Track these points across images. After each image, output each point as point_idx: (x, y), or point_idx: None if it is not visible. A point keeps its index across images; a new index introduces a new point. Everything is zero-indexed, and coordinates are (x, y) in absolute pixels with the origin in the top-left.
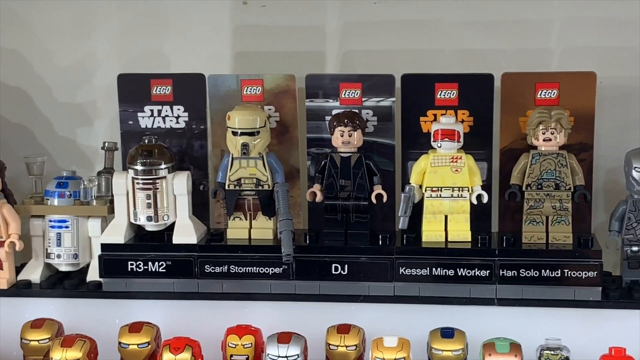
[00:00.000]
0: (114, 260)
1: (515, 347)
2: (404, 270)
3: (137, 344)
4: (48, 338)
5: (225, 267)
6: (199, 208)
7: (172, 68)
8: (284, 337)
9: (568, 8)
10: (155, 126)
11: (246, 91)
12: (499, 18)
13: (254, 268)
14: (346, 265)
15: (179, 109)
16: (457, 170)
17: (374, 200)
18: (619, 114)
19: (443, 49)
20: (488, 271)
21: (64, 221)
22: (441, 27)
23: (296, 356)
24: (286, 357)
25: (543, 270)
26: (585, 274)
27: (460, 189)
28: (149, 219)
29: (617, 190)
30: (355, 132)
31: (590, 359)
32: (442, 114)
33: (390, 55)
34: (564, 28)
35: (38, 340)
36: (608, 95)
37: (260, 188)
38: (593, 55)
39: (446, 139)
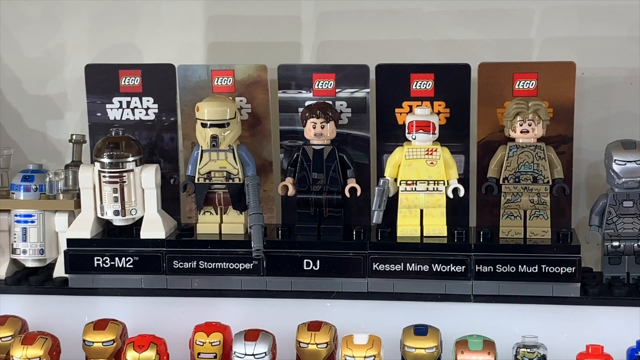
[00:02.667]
0: (80, 255)
1: (488, 345)
2: (378, 265)
3: (102, 342)
4: (11, 335)
5: (194, 263)
6: (170, 202)
7: (144, 60)
8: (251, 335)
9: None
10: (124, 118)
11: (217, 82)
12: (479, 8)
13: (224, 264)
14: (318, 261)
15: (148, 101)
16: (432, 163)
17: (347, 194)
18: (601, 106)
19: (421, 39)
20: (464, 267)
21: (30, 215)
22: (419, 17)
23: (263, 354)
24: (253, 355)
25: (520, 266)
26: (564, 269)
27: (436, 182)
28: (116, 213)
29: (599, 185)
30: (328, 124)
31: (568, 357)
32: (417, 106)
33: (368, 46)
34: (544, 18)
35: (1, 338)
36: (590, 87)
37: (230, 181)
38: (574, 46)
39: (421, 131)
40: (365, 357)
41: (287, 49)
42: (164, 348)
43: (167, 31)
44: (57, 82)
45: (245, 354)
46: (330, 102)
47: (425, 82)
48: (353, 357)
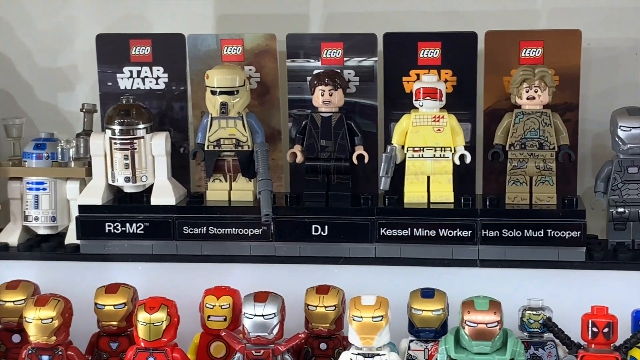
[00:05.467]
0: (91, 221)
1: (494, 305)
2: (385, 231)
3: (114, 305)
4: (23, 299)
5: (204, 229)
6: (180, 171)
7: (154, 31)
8: (260, 296)
9: None
10: (134, 87)
11: (226, 51)
12: None
13: (233, 229)
14: (326, 226)
15: (158, 70)
16: (439, 130)
17: (355, 161)
18: (606, 76)
19: (428, 10)
20: (470, 232)
21: (42, 183)
22: None
23: (272, 315)
24: (262, 315)
25: (526, 231)
26: (569, 234)
27: (443, 149)
28: (127, 179)
29: (604, 155)
30: (336, 92)
31: (573, 320)
32: (424, 74)
33: (375, 18)
34: None
35: (13, 302)
36: (596, 58)
37: (239, 149)
38: (580, 17)
39: (428, 98)
40: (373, 317)
41: (295, 21)
42: (174, 310)
43: (176, 3)
44: (67, 54)
45: (255, 315)
46: (338, 70)
47: (432, 51)
48: (361, 317)
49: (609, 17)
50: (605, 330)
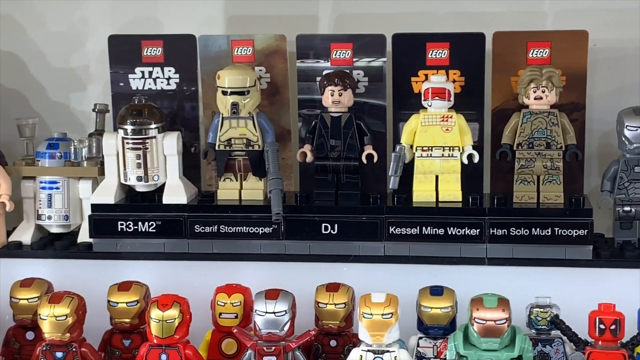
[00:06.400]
0: (104, 220)
1: (503, 302)
2: (394, 229)
3: (126, 302)
4: (37, 297)
5: (215, 227)
6: (190, 170)
7: (165, 32)
8: (271, 294)
9: None
10: (146, 88)
11: (237, 52)
12: None
13: (244, 228)
14: (336, 225)
15: (169, 71)
16: (447, 130)
17: (364, 161)
18: (613, 77)
19: (436, 12)
20: (478, 230)
21: (55, 182)
22: None
23: (284, 312)
24: (274, 312)
25: (534, 229)
26: (576, 232)
27: (451, 148)
28: (139, 179)
29: (610, 154)
30: (346, 92)
31: (580, 317)
32: (433, 74)
33: (384, 19)
34: None
35: (27, 299)
36: (602, 58)
37: (250, 148)
38: (587, 17)
39: (437, 98)
40: (382, 314)
41: (304, 22)
42: (186, 307)
43: (187, 4)
44: (79, 55)
45: (266, 312)
46: (347, 71)
47: (441, 51)
48: (371, 314)
49: (615, 18)
50: (613, 327)
